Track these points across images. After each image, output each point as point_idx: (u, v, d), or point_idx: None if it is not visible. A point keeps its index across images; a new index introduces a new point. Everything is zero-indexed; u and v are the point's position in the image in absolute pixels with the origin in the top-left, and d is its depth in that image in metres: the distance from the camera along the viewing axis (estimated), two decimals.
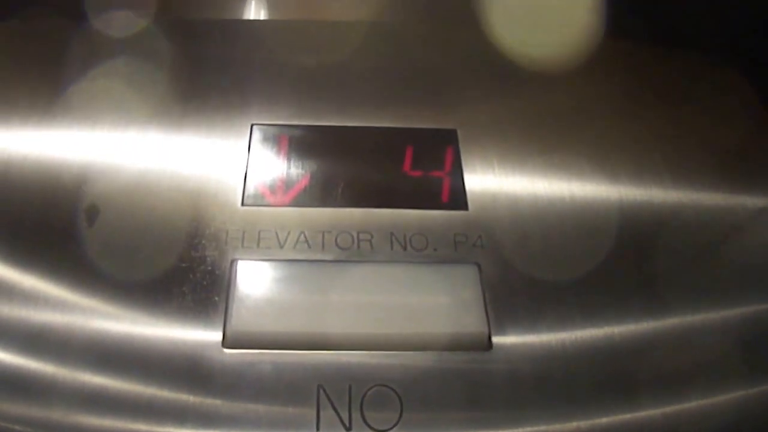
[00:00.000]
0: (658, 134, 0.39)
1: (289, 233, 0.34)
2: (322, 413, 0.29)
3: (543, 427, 0.29)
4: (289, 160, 0.36)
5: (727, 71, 0.43)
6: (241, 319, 0.30)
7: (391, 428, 0.29)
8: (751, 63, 0.42)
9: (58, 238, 0.33)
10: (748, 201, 0.37)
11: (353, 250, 0.33)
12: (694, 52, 0.43)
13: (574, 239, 0.35)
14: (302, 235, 0.34)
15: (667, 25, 0.44)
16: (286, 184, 0.35)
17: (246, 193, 0.35)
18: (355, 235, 0.34)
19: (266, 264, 0.32)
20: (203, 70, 0.40)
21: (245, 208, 0.34)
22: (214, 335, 0.30)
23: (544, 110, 0.40)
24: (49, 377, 0.29)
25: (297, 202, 0.35)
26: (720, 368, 0.31)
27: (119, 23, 0.42)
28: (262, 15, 0.46)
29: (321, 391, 0.29)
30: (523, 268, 0.33)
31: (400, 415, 0.29)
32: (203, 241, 0.33)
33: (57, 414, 0.28)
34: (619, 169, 0.37)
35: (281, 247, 0.33)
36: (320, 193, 0.35)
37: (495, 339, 0.31)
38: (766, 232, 0.36)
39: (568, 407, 0.30)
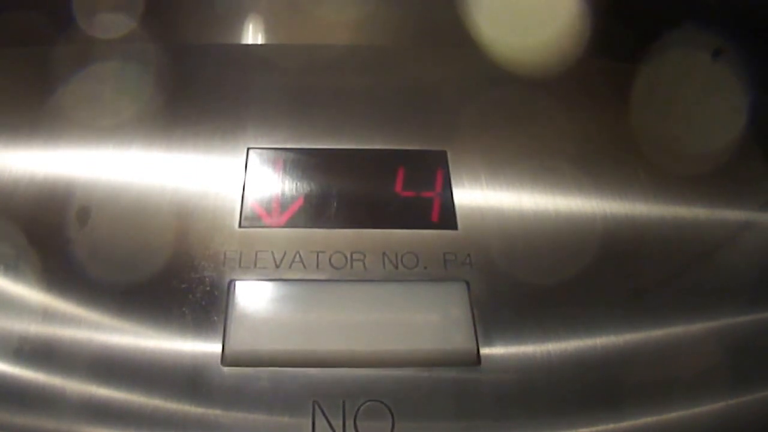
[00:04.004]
0: (642, 149, 0.40)
1: (284, 254, 0.35)
2: (317, 428, 0.30)
3: None
4: (284, 182, 0.37)
5: (710, 85, 0.44)
6: (239, 338, 0.32)
7: None
8: (735, 74, 0.43)
9: (63, 257, 0.34)
10: (730, 215, 0.38)
11: (347, 270, 0.34)
12: (676, 66, 0.44)
13: (560, 256, 0.36)
14: (297, 256, 0.35)
15: (648, 41, 0.45)
16: (282, 205, 0.37)
17: (243, 215, 0.36)
18: (348, 255, 0.35)
19: (263, 284, 0.34)
20: (200, 95, 0.41)
21: (242, 229, 0.36)
22: (213, 353, 0.31)
23: (532, 130, 0.41)
24: (58, 389, 0.30)
25: (292, 223, 0.36)
26: (702, 379, 0.32)
27: (120, 49, 0.43)
28: (258, 39, 0.47)
29: (316, 407, 0.30)
30: (510, 285, 0.34)
31: (392, 429, 0.30)
32: (202, 262, 0.34)
33: (65, 425, 0.29)
34: (606, 188, 0.39)
35: (277, 267, 0.34)
36: (315, 214, 0.36)
37: (483, 354, 0.32)
38: (746, 245, 0.37)
39: (555, 420, 0.31)
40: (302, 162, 0.38)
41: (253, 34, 0.47)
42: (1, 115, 0.40)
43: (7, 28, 0.42)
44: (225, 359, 0.31)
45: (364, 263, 0.35)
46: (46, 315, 0.32)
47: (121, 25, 0.44)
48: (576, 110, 0.43)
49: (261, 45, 0.47)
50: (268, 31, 0.47)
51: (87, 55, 0.43)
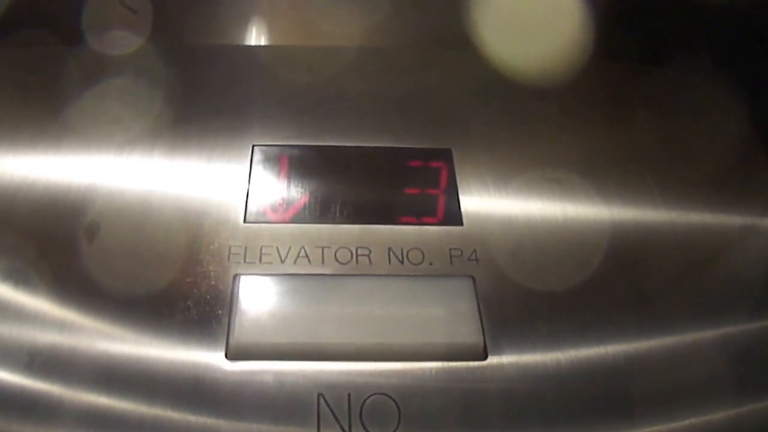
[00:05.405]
0: (648, 153, 0.40)
1: (289, 249, 0.35)
2: (322, 421, 0.29)
3: None
4: (289, 178, 0.37)
5: (716, 89, 0.44)
6: (244, 331, 0.31)
7: None
8: (739, 80, 0.43)
9: (66, 258, 0.34)
10: (738, 219, 0.38)
11: (352, 265, 0.34)
12: (682, 70, 0.44)
13: (566, 255, 0.36)
14: (302, 251, 0.35)
15: (654, 44, 0.45)
16: (287, 201, 0.37)
17: (248, 211, 0.36)
18: (353, 250, 0.35)
19: (268, 278, 0.33)
20: (206, 94, 0.41)
21: (247, 225, 0.35)
22: (217, 347, 0.31)
23: (535, 129, 0.41)
24: (55, 397, 0.30)
25: (297, 219, 0.36)
26: (712, 386, 0.32)
27: (123, 49, 0.43)
28: (263, 41, 0.47)
29: (321, 400, 0.30)
30: (516, 281, 0.34)
31: (398, 423, 0.30)
32: (207, 257, 0.34)
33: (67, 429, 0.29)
34: (610, 187, 0.39)
35: (282, 262, 0.34)
36: (320, 210, 0.36)
37: (490, 349, 0.32)
38: (755, 249, 0.37)
39: (561, 412, 0.31)
40: (307, 159, 0.38)
41: (257, 36, 0.47)
42: (5, 118, 0.40)
43: (9, 30, 0.42)
44: (229, 353, 0.31)
45: (369, 258, 0.34)
46: (54, 316, 0.32)
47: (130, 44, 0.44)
48: (583, 112, 0.43)
49: (266, 46, 0.47)
50: (273, 32, 0.47)
51: (92, 56, 0.43)
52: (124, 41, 0.43)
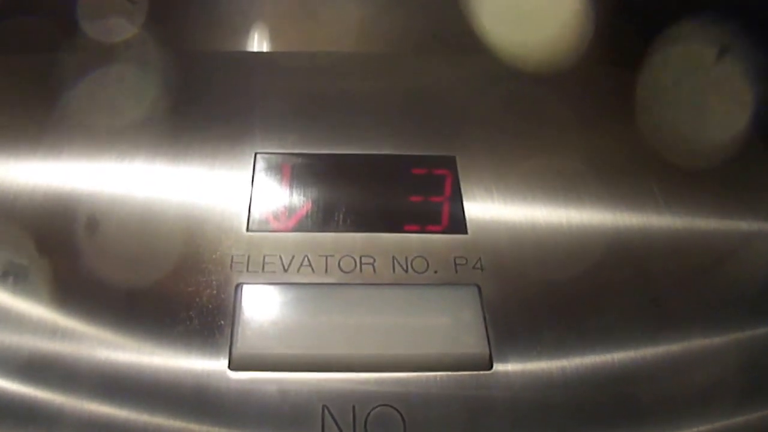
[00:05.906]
0: (653, 159, 0.40)
1: (293, 257, 0.34)
2: None
3: None
4: (292, 187, 0.37)
5: (723, 92, 0.44)
6: (247, 341, 0.31)
7: None
8: (744, 81, 0.43)
9: (67, 265, 0.34)
10: (743, 224, 0.38)
11: (356, 273, 0.34)
12: (686, 71, 0.44)
13: (571, 263, 0.35)
14: (306, 259, 0.34)
15: (656, 45, 0.45)
16: (290, 210, 0.36)
17: (251, 219, 0.36)
18: (357, 259, 0.34)
19: (271, 288, 0.33)
20: (208, 101, 0.41)
21: (250, 233, 0.35)
22: (220, 357, 0.31)
23: (540, 136, 0.41)
24: (56, 406, 0.29)
25: (300, 228, 0.36)
26: (720, 393, 0.32)
27: (125, 55, 0.43)
28: (265, 47, 0.47)
29: (326, 412, 0.30)
30: (522, 290, 0.34)
31: None
32: (209, 266, 0.34)
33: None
34: (615, 193, 0.38)
35: (285, 270, 0.34)
36: (323, 218, 0.36)
37: (495, 359, 0.32)
38: (761, 254, 0.37)
39: (568, 424, 0.30)
40: (310, 167, 0.38)
41: (260, 43, 0.47)
42: (5, 125, 0.39)
43: (11, 35, 0.42)
44: (232, 363, 0.31)
45: (373, 267, 0.34)
46: (54, 324, 0.32)
47: (127, 32, 0.44)
48: (588, 119, 0.43)
49: (268, 52, 0.47)
50: (275, 38, 0.47)
51: (94, 62, 0.43)
52: (122, 30, 0.43)
